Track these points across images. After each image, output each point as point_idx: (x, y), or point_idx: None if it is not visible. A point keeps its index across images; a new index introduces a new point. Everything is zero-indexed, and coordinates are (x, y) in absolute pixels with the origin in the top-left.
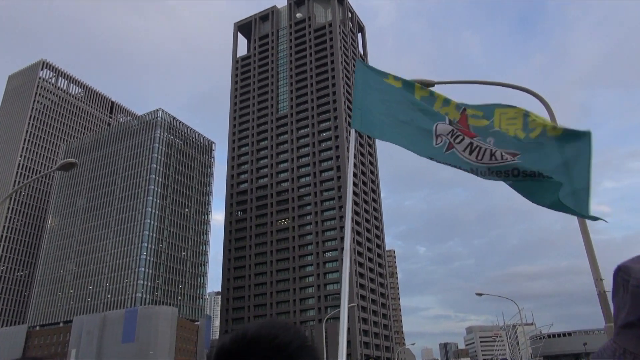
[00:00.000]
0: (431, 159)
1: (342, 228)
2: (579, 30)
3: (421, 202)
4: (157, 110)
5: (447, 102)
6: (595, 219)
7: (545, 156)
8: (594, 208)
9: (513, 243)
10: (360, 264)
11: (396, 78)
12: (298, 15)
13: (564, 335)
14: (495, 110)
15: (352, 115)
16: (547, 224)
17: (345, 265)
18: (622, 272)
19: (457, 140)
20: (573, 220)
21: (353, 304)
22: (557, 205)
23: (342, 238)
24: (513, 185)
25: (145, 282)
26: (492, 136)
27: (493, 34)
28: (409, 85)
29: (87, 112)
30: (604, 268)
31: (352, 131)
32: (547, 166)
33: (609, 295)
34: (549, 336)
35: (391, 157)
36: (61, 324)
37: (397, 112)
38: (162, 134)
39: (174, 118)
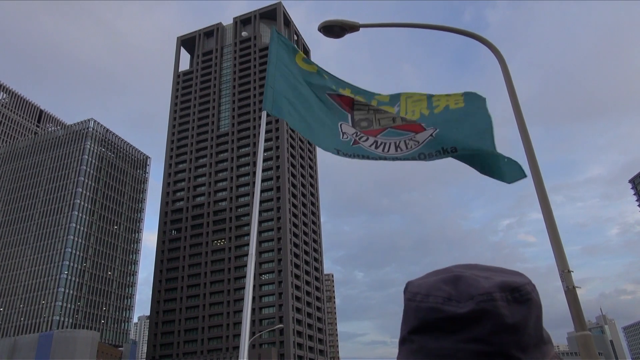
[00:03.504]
0: (337, 152)
1: (280, 250)
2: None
3: (360, 228)
4: (88, 120)
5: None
6: (520, 176)
7: (452, 127)
8: (524, 238)
9: None
10: (298, 287)
11: (306, 60)
12: (243, 33)
13: None
14: (401, 95)
15: (264, 95)
16: (478, 252)
17: (249, 275)
18: (406, 289)
19: (362, 139)
20: (503, 249)
21: (281, 325)
22: (486, 170)
23: (280, 260)
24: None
25: (65, 304)
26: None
27: (430, 68)
28: (319, 71)
29: (13, 119)
30: None
31: (264, 113)
32: (458, 136)
33: (580, 293)
34: None
35: (331, 182)
36: None
37: (305, 102)
38: (92, 145)
39: (107, 130)
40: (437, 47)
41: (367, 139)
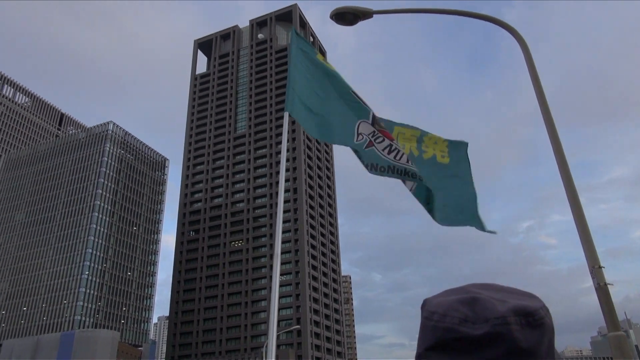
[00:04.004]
0: (355, 152)
1: (297, 251)
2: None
3: (377, 230)
4: (107, 123)
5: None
6: (487, 230)
7: (435, 177)
8: (545, 240)
9: (465, 272)
10: (315, 289)
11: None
12: (260, 36)
13: None
14: (395, 127)
15: (286, 97)
16: (498, 254)
17: (274, 280)
18: (423, 306)
19: (377, 140)
20: (523, 251)
21: (297, 327)
22: (449, 220)
23: (297, 262)
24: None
25: (86, 304)
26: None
27: (446, 70)
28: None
29: (34, 122)
30: (550, 297)
31: (286, 114)
32: (436, 184)
33: (612, 290)
34: None
35: (348, 183)
36: None
37: (323, 102)
38: (111, 147)
39: (126, 132)
40: (453, 49)
41: (383, 140)
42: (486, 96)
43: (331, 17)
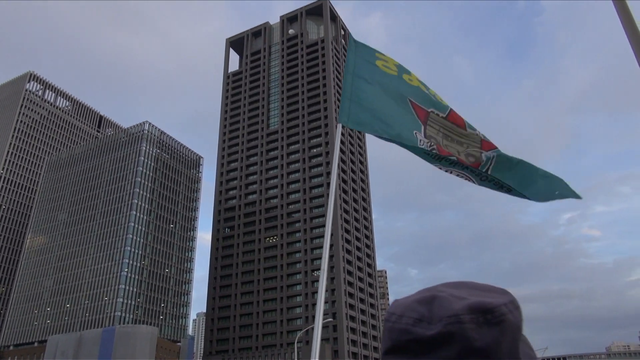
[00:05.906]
0: (416, 149)
1: (331, 246)
2: (568, 57)
3: (412, 224)
4: (143, 123)
5: (435, 97)
6: (574, 196)
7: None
8: (588, 232)
9: (504, 266)
10: (350, 284)
11: (386, 66)
12: (290, 31)
13: (560, 359)
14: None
15: (340, 107)
16: (539, 248)
17: (323, 270)
18: (388, 308)
19: (433, 151)
20: (564, 244)
21: (330, 320)
22: (536, 194)
23: (332, 257)
24: (480, 183)
25: (126, 300)
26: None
27: (483, 59)
28: (400, 74)
29: (75, 125)
30: (595, 291)
31: (339, 126)
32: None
33: None
34: None
35: (382, 179)
36: (36, 344)
37: (385, 105)
38: (148, 147)
39: (162, 132)
40: (488, 38)
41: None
42: (525, 85)
43: None
